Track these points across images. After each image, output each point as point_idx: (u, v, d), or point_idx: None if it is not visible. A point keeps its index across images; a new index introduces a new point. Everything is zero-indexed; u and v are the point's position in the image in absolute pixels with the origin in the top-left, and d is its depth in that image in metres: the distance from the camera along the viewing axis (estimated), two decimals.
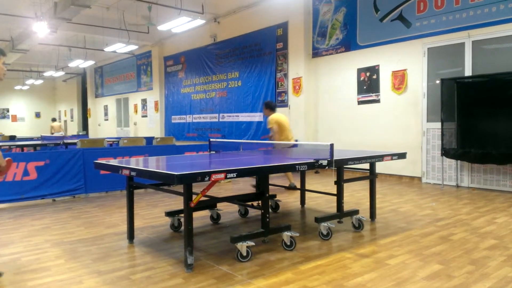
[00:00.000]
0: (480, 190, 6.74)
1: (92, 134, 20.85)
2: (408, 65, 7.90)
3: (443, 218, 4.83)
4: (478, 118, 6.70)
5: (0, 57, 3.11)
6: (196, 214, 4.28)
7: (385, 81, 8.32)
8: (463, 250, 3.61)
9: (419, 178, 7.77)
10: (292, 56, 10.15)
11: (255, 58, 11.34)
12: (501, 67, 6.47)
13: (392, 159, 4.58)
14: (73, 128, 24.06)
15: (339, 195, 4.31)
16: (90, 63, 17.32)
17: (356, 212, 4.32)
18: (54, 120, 18.22)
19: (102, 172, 6.42)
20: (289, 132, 6.90)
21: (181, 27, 10.96)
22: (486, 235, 4.09)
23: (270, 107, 7.06)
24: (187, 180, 3.00)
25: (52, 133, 16.84)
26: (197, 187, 3.20)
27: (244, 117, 11.83)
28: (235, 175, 3.14)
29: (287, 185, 6.42)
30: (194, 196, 3.21)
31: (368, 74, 8.65)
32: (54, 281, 3.02)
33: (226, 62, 12.41)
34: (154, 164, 3.93)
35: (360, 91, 8.81)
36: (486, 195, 6.26)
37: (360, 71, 8.80)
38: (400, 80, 8.03)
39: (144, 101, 16.87)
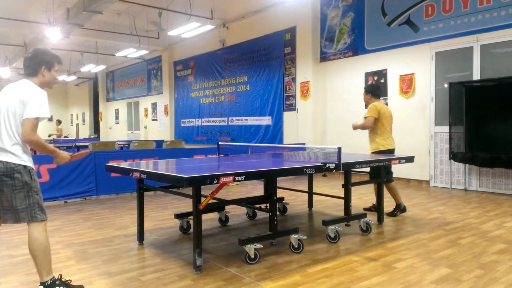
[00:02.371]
0: (489, 194, 6.69)
1: (103, 137, 21.09)
2: (416, 69, 7.89)
3: (452, 221, 4.82)
4: (486, 121, 6.66)
5: (55, 65, 2.98)
6: (204, 216, 4.33)
7: (393, 85, 8.32)
8: (472, 254, 3.60)
9: (427, 182, 7.73)
10: (300, 61, 10.19)
11: (263, 63, 11.40)
12: (510, 71, 6.44)
13: (400, 162, 4.59)
14: (85, 132, 24.35)
15: (347, 198, 4.32)
16: (101, 67, 17.58)
17: (363, 215, 4.33)
18: (59, 122, 17.06)
19: (112, 174, 6.52)
20: (390, 133, 5.24)
21: (191, 32, 11.10)
22: (495, 239, 4.07)
23: (373, 92, 5.32)
24: (196, 183, 3.05)
25: (58, 136, 15.49)
26: (206, 190, 3.24)
27: (252, 120, 11.88)
28: (243, 178, 3.19)
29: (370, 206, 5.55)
30: (203, 199, 3.25)
31: (376, 78, 8.65)
32: None
33: (235, 66, 12.49)
34: (164, 166, 3.98)
35: None
36: (495, 199, 6.21)
37: (367, 75, 8.81)
38: (408, 84, 8.02)
39: (154, 105, 17.04)
